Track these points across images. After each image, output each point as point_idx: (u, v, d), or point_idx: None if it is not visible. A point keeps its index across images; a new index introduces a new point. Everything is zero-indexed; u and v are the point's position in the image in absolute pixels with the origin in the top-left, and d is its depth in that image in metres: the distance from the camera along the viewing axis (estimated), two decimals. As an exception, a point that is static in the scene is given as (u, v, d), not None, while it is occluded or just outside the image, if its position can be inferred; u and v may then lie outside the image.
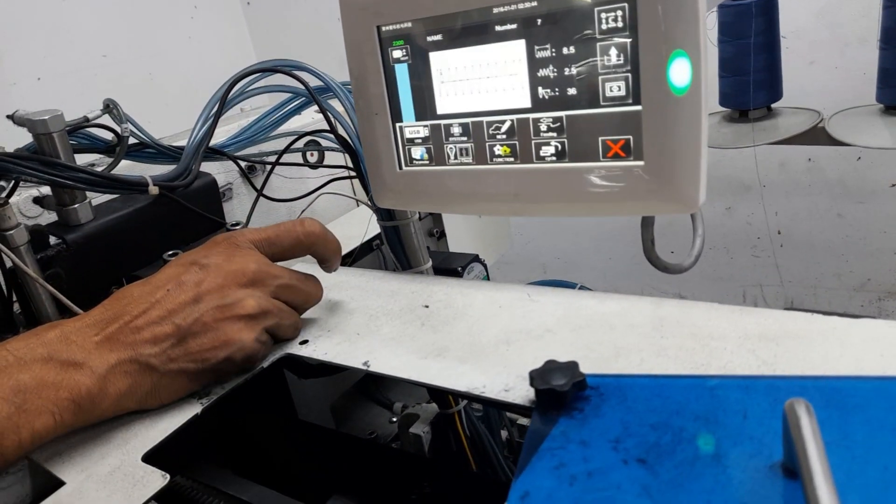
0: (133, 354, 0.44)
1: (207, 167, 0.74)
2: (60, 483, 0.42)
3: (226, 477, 0.47)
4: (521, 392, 0.41)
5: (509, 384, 0.42)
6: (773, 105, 1.10)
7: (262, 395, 0.54)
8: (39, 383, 0.40)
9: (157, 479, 0.41)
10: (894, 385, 0.35)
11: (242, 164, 0.74)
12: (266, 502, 0.44)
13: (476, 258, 0.77)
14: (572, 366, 0.40)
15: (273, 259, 0.51)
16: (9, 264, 0.53)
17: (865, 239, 1.39)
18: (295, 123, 0.82)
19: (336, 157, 0.83)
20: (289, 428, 0.58)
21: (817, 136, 1.01)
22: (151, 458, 0.43)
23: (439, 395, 0.61)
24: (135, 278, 0.60)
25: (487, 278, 0.80)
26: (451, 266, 0.75)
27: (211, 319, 0.46)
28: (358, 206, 0.95)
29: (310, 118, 0.87)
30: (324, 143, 0.79)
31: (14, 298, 0.55)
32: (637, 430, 0.36)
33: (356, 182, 0.86)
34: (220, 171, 0.79)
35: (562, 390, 0.38)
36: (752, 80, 0.98)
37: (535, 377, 0.39)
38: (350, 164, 0.69)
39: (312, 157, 0.85)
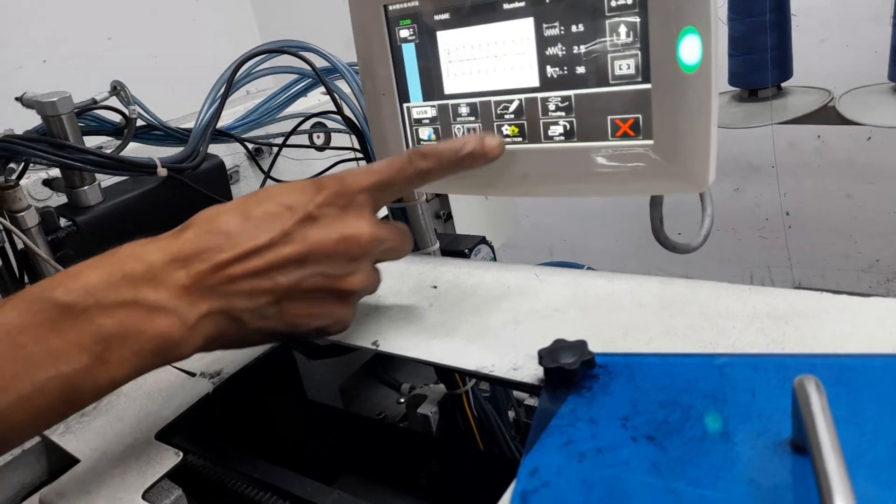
0: (225, 306, 0.39)
1: (215, 149, 0.74)
2: (75, 461, 0.43)
3: (237, 455, 0.48)
4: (529, 371, 0.41)
5: (518, 363, 0.42)
6: (783, 84, 1.09)
7: (271, 375, 0.54)
8: (123, 331, 0.35)
9: (171, 457, 0.42)
10: (904, 362, 0.35)
11: (249, 146, 0.74)
12: (277, 480, 0.44)
13: (483, 240, 0.77)
14: (581, 344, 0.40)
15: (382, 202, 0.46)
16: (20, 246, 0.54)
17: (874, 220, 1.39)
18: (302, 105, 0.81)
19: (343, 139, 0.83)
20: (298, 407, 0.59)
21: (828, 115, 1.00)
22: (164, 436, 0.44)
23: (447, 375, 0.62)
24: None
25: (494, 260, 0.80)
26: (458, 248, 0.75)
27: (312, 286, 0.41)
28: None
29: (316, 100, 0.87)
30: (330, 124, 0.78)
31: (26, 280, 0.55)
32: (646, 407, 0.36)
33: (363, 163, 0.86)
34: (228, 154, 0.79)
35: (570, 368, 0.38)
36: (765, 57, 0.97)
37: (544, 356, 0.39)
38: (357, 146, 0.68)
39: (319, 139, 0.85)
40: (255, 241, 0.39)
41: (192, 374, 0.50)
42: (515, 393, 0.71)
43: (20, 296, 0.35)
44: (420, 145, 0.48)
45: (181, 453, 0.42)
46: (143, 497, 0.39)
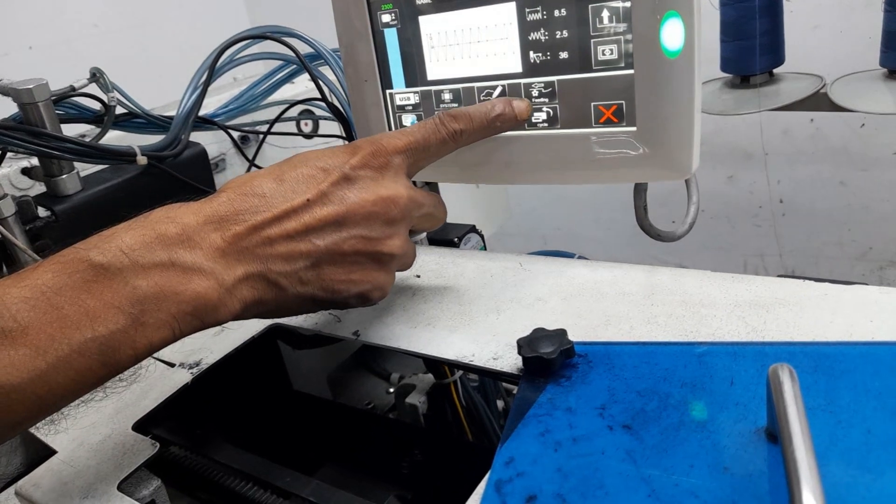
0: (262, 269, 0.38)
1: (201, 138, 0.73)
2: (52, 452, 0.43)
3: (217, 446, 0.47)
4: (509, 360, 0.41)
5: (498, 352, 0.42)
6: (775, 70, 1.08)
7: (254, 366, 0.54)
8: (159, 293, 0.34)
9: (147, 448, 0.41)
10: (882, 350, 0.35)
11: (235, 134, 0.73)
12: (257, 470, 0.44)
13: (473, 228, 0.77)
14: (560, 333, 0.39)
15: (417, 166, 0.45)
16: (-2, 236, 0.53)
17: (868, 207, 1.38)
18: (289, 92, 0.81)
19: (331, 126, 0.82)
20: (282, 398, 0.59)
21: (819, 101, 0.99)
22: (142, 426, 0.44)
23: (435, 365, 0.61)
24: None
25: (484, 249, 0.79)
26: (446, 237, 0.74)
27: (350, 250, 0.40)
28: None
29: (303, 87, 0.86)
30: (317, 112, 0.78)
31: (4, 270, 0.55)
32: (623, 396, 0.36)
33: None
34: (213, 142, 0.79)
35: (549, 358, 0.38)
36: (757, 43, 0.96)
37: (523, 345, 0.39)
38: (344, 134, 0.68)
39: (307, 127, 0.84)
40: (291, 202, 0.39)
41: (172, 365, 0.49)
42: (502, 381, 0.71)
43: (55, 257, 0.34)
44: (449, 109, 0.47)
45: (157, 444, 0.41)
46: (119, 488, 0.39)
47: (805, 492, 0.23)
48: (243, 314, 0.39)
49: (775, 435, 0.31)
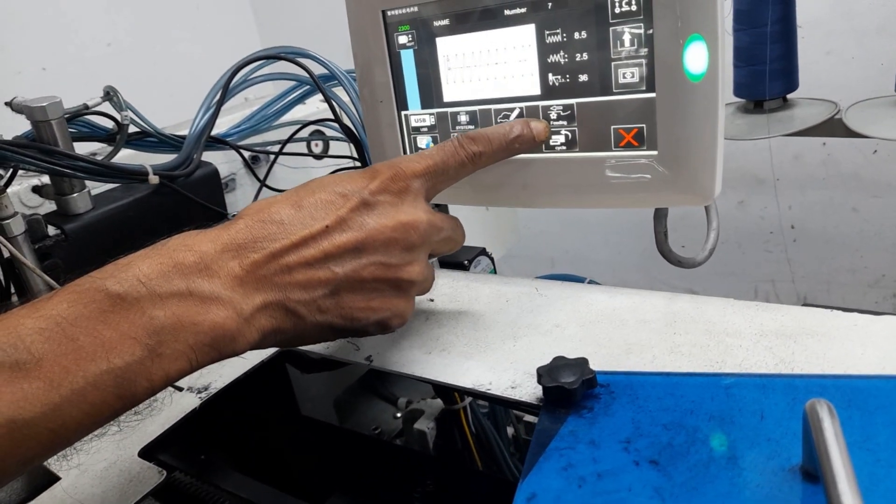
0: (281, 297, 0.37)
1: (211, 157, 0.73)
2: (55, 478, 0.41)
3: (225, 473, 0.46)
4: (528, 389, 0.40)
5: (516, 381, 0.41)
6: (788, 96, 1.08)
7: (263, 390, 0.53)
8: (177, 323, 0.33)
9: (154, 476, 0.40)
10: (921, 385, 0.34)
11: (246, 154, 0.73)
12: (265, 500, 0.42)
13: (483, 251, 0.76)
14: (582, 362, 0.38)
15: (436, 189, 0.44)
16: (6, 254, 0.52)
17: (880, 234, 1.37)
18: (300, 113, 0.80)
19: (342, 147, 0.82)
20: (290, 423, 0.57)
21: (834, 127, 0.98)
22: (148, 453, 0.43)
23: (444, 390, 0.60)
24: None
25: (494, 272, 0.78)
26: (457, 259, 0.73)
27: (370, 276, 0.39)
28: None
29: (315, 108, 0.86)
30: (329, 132, 0.77)
31: (12, 290, 0.54)
32: (649, 429, 0.34)
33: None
34: (224, 162, 0.78)
35: (571, 388, 0.37)
36: (770, 68, 0.96)
37: (543, 374, 0.38)
38: (355, 154, 0.67)
39: (317, 148, 0.84)
40: (310, 229, 0.38)
41: (180, 389, 0.48)
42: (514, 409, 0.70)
43: (71, 286, 0.33)
44: (465, 131, 0.47)
45: (164, 472, 0.40)
46: (124, 518, 0.37)
47: (856, 539, 0.21)
48: (261, 343, 0.38)
49: (813, 474, 0.29)
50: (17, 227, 0.50)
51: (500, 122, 0.49)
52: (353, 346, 0.48)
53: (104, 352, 0.31)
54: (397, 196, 0.41)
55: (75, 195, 0.57)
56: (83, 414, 0.31)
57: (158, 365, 0.33)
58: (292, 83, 0.70)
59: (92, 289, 0.33)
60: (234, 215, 0.65)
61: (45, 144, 0.53)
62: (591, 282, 1.04)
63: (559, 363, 0.38)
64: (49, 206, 0.64)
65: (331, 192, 0.40)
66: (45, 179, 0.62)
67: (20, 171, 0.56)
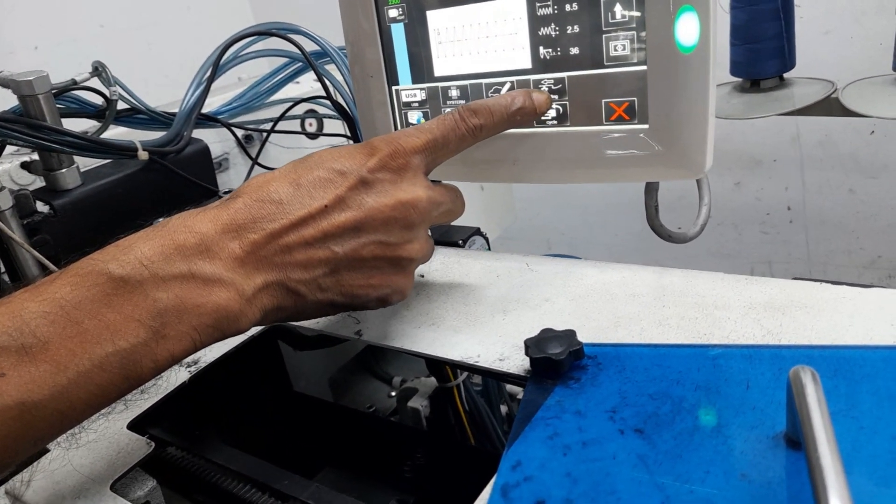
0: (281, 277, 0.37)
1: (204, 136, 0.72)
2: (44, 450, 0.41)
3: (215, 446, 0.46)
4: (516, 361, 0.40)
5: (504, 353, 0.41)
6: (785, 75, 1.07)
7: (254, 366, 0.53)
8: (180, 305, 0.34)
9: (142, 447, 0.40)
10: (906, 354, 0.34)
11: (238, 132, 0.72)
12: (256, 472, 0.43)
13: (478, 231, 0.76)
14: (569, 334, 0.38)
15: (436, 163, 0.43)
16: (-4, 230, 0.52)
17: (877, 215, 1.37)
18: (294, 91, 0.80)
19: (335, 126, 0.81)
20: (281, 399, 0.57)
21: (831, 106, 0.98)
22: (137, 425, 0.43)
23: (438, 368, 0.60)
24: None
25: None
26: (451, 239, 0.73)
27: (369, 255, 0.40)
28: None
29: (309, 86, 0.85)
30: (322, 111, 0.77)
31: (1, 267, 0.54)
32: (635, 399, 0.34)
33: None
34: (217, 140, 0.78)
35: (558, 359, 0.37)
36: (768, 47, 0.95)
37: (531, 346, 0.38)
38: (348, 133, 0.67)
39: (311, 127, 0.84)
40: (308, 209, 0.38)
41: (171, 363, 0.48)
42: (508, 387, 0.70)
43: (72, 269, 0.33)
44: (456, 106, 0.46)
45: (153, 443, 0.40)
46: (113, 488, 0.37)
47: (833, 499, 0.21)
48: (262, 321, 0.38)
49: (796, 441, 0.29)
50: (5, 202, 0.50)
51: (492, 95, 0.49)
52: (354, 320, 0.48)
53: (109, 334, 0.32)
54: (396, 173, 0.40)
55: (64, 171, 0.57)
56: (90, 395, 0.32)
57: (163, 346, 0.33)
58: (285, 60, 0.69)
59: (94, 272, 0.33)
60: (228, 192, 0.65)
61: (32, 119, 0.53)
62: (586, 262, 1.04)
63: (547, 335, 0.38)
64: (40, 184, 0.63)
65: (329, 170, 0.39)
66: (35, 156, 0.62)
67: (10, 149, 0.56)
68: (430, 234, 0.45)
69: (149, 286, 0.33)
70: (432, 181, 0.43)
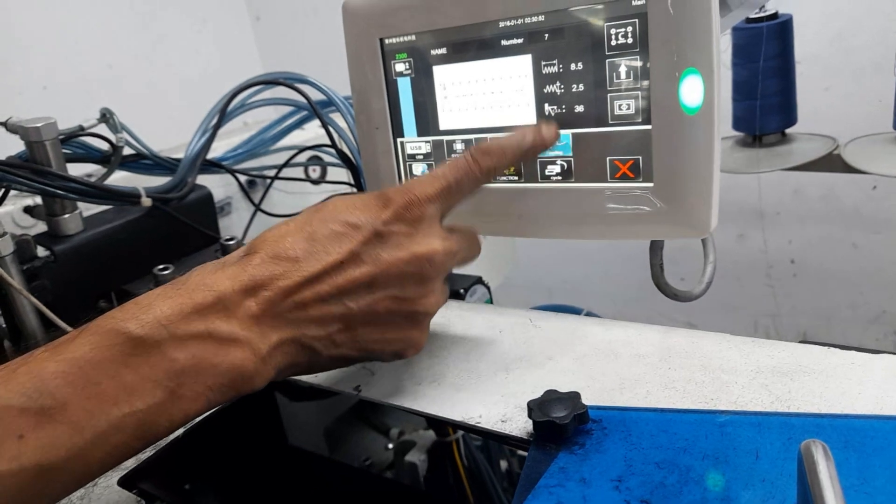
0: (296, 334, 0.37)
1: (209, 180, 0.73)
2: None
3: (206, 502, 0.45)
4: (518, 423, 0.39)
5: (507, 415, 0.40)
6: (787, 130, 1.08)
7: (250, 418, 0.52)
8: (197, 365, 0.34)
9: (132, 505, 0.39)
10: (920, 428, 0.33)
11: (242, 178, 0.73)
12: (247, 533, 0.41)
13: (479, 280, 0.75)
14: (574, 396, 0.37)
15: (450, 207, 0.43)
16: (-5, 275, 0.52)
17: (881, 270, 1.36)
18: (299, 138, 0.80)
19: (339, 173, 0.82)
20: (277, 453, 0.56)
21: (832, 162, 0.99)
22: (128, 481, 0.41)
23: (436, 422, 0.59)
24: (124, 292, 0.58)
25: (491, 301, 0.77)
26: (452, 288, 0.72)
27: (384, 310, 0.39)
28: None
29: (313, 133, 0.86)
30: (326, 158, 0.77)
31: (-2, 311, 0.53)
32: (641, 468, 0.33)
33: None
34: (220, 185, 0.78)
35: (562, 423, 0.36)
36: (769, 103, 0.97)
37: (534, 408, 0.37)
38: (352, 181, 0.67)
39: (315, 173, 0.84)
40: (323, 264, 0.38)
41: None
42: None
43: (92, 328, 0.34)
44: (478, 144, 0.46)
45: (143, 501, 0.39)
46: (99, 550, 0.36)
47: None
48: (276, 378, 0.38)
49: (809, 519, 0.28)
50: (6, 247, 0.50)
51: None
52: (368, 372, 0.48)
53: (126, 395, 0.32)
54: (411, 225, 0.40)
55: (66, 216, 0.57)
56: (106, 455, 0.32)
57: (178, 406, 0.33)
58: (291, 108, 0.70)
59: (113, 331, 0.33)
60: (229, 239, 0.64)
61: (37, 165, 0.53)
62: (588, 313, 1.03)
63: (550, 397, 0.38)
64: (42, 228, 0.63)
65: (343, 224, 0.39)
66: (39, 200, 0.62)
67: (13, 192, 0.56)
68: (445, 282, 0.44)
69: (167, 346, 0.33)
70: (448, 227, 0.43)
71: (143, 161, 0.64)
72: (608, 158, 0.45)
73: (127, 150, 0.63)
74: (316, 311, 0.37)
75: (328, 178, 0.85)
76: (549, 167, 0.47)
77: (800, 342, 0.43)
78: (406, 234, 0.40)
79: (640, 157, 0.44)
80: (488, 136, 0.49)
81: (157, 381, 0.33)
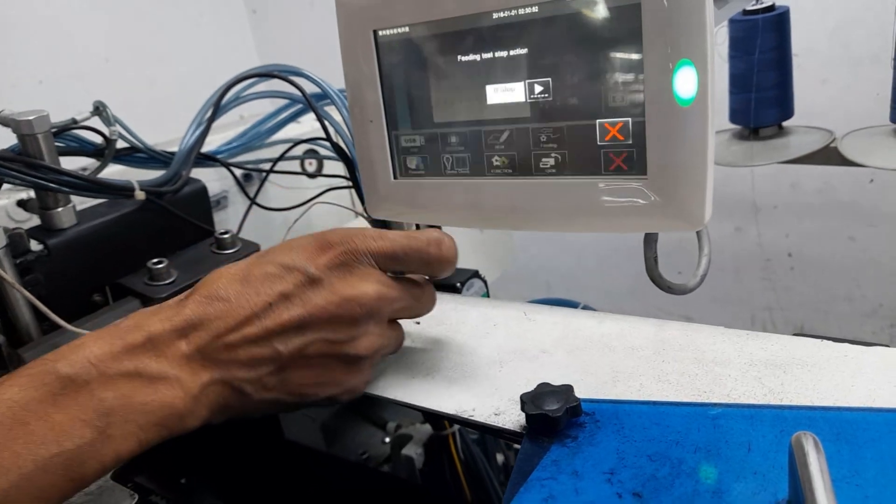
0: (226, 376, 0.38)
1: (205, 174, 0.72)
2: None
3: (202, 496, 0.45)
4: (512, 416, 0.39)
5: (500, 408, 0.40)
6: (784, 123, 1.08)
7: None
8: (126, 404, 0.34)
9: (125, 498, 0.39)
10: (912, 420, 0.33)
11: (238, 171, 0.72)
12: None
13: (476, 274, 0.75)
14: (566, 389, 0.37)
15: (389, 270, 0.43)
16: (-13, 269, 0.52)
17: (878, 263, 1.36)
18: (295, 131, 0.80)
19: (335, 167, 0.81)
20: (273, 448, 0.56)
21: (829, 155, 0.98)
22: (121, 475, 0.41)
23: (433, 415, 0.59)
24: (118, 286, 0.58)
25: (487, 295, 0.77)
26: (449, 282, 0.73)
27: (315, 354, 0.39)
28: (356, 217, 0.93)
29: (310, 126, 0.86)
30: (322, 151, 0.77)
31: (-8, 305, 0.53)
32: (633, 460, 0.33)
33: (354, 192, 0.84)
34: (216, 179, 0.78)
35: (554, 416, 0.36)
36: (766, 96, 0.96)
37: (527, 401, 0.37)
38: (347, 174, 0.67)
39: (311, 167, 0.84)
40: (252, 307, 0.38)
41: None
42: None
43: (24, 370, 0.34)
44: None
45: (136, 495, 0.39)
46: (92, 543, 0.36)
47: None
48: (211, 419, 0.38)
49: (799, 511, 0.28)
50: (-1, 241, 0.50)
51: (490, 143, 0.49)
52: None
53: (54, 435, 0.32)
54: (346, 269, 0.40)
55: (59, 210, 0.57)
56: (32, 498, 0.31)
57: (108, 446, 0.34)
58: (286, 101, 0.70)
59: (44, 371, 0.34)
60: (224, 232, 0.64)
61: (30, 158, 0.53)
62: (584, 307, 1.03)
63: (543, 390, 0.38)
64: (36, 222, 0.63)
65: (277, 266, 0.39)
66: (33, 194, 0.61)
67: (7, 185, 0.56)
68: (396, 323, 0.44)
69: (95, 385, 0.34)
70: (397, 274, 0.43)
71: (137, 154, 0.64)
72: (602, 151, 0.45)
73: (121, 144, 0.63)
74: (245, 354, 0.38)
75: (325, 171, 0.84)
76: (544, 160, 0.47)
77: (794, 335, 0.43)
78: (339, 278, 0.40)
79: (634, 150, 0.44)
80: (482, 129, 0.49)
81: (86, 421, 0.33)
